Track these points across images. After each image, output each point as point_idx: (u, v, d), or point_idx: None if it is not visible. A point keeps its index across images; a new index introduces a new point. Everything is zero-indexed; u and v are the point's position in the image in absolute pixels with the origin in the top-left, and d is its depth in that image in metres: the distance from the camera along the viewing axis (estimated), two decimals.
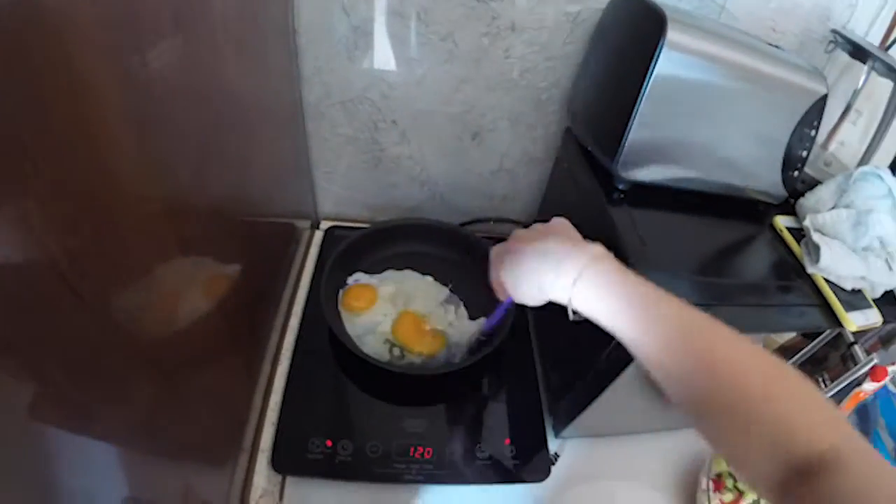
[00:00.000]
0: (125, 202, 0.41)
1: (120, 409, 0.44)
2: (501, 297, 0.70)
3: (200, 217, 0.57)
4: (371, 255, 1.03)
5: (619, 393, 0.74)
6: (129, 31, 0.39)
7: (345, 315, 0.93)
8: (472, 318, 0.97)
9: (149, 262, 0.46)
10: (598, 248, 0.58)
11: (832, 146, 0.96)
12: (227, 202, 0.66)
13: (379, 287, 0.98)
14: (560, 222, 0.65)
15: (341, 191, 1.14)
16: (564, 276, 0.56)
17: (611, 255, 0.58)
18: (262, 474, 0.79)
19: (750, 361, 0.50)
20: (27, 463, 0.33)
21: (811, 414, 0.47)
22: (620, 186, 0.78)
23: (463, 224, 1.18)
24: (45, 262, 0.32)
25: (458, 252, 1.05)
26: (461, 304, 0.99)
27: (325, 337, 0.90)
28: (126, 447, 0.46)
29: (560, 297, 0.58)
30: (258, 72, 0.75)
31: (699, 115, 0.75)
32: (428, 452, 0.80)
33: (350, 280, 0.99)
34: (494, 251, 0.68)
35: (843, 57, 0.89)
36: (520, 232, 0.66)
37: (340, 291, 0.96)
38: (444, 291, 1.01)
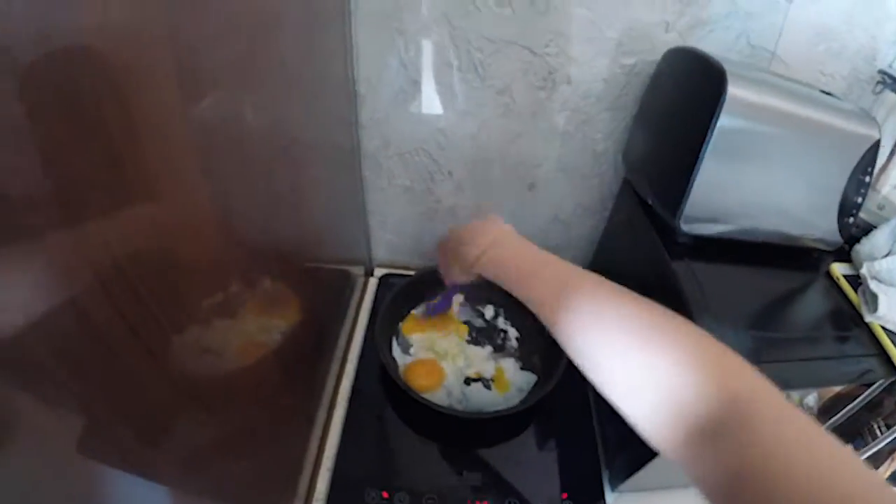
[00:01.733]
0: (201, 247, 0.43)
1: (173, 449, 0.44)
2: (447, 284, 0.83)
3: (266, 261, 0.59)
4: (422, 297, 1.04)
5: None
6: (199, 77, 0.41)
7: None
8: (524, 368, 0.98)
9: (214, 308, 0.47)
10: (505, 227, 0.71)
11: (885, 189, 0.92)
12: (289, 247, 0.68)
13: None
14: (487, 213, 0.75)
15: (395, 238, 1.15)
16: (474, 250, 0.68)
17: (511, 233, 0.69)
18: None
19: (633, 313, 0.51)
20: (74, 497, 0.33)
21: (703, 365, 0.45)
22: (681, 240, 0.77)
23: None
24: (110, 305, 0.32)
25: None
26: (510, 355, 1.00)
27: (381, 384, 0.90)
28: (177, 488, 0.46)
29: (471, 268, 0.69)
30: (320, 120, 0.78)
31: (758, 167, 0.74)
32: None
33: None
34: (438, 246, 0.80)
35: (891, 97, 0.87)
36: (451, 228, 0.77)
37: (394, 340, 0.97)
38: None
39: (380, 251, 1.19)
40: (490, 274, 0.67)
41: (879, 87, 0.88)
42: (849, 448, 0.37)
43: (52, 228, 0.27)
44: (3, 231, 0.25)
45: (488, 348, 1.00)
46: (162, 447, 0.42)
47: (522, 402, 0.88)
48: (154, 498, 0.43)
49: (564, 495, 0.84)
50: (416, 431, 0.88)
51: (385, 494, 0.78)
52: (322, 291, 0.88)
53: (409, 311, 1.03)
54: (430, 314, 0.95)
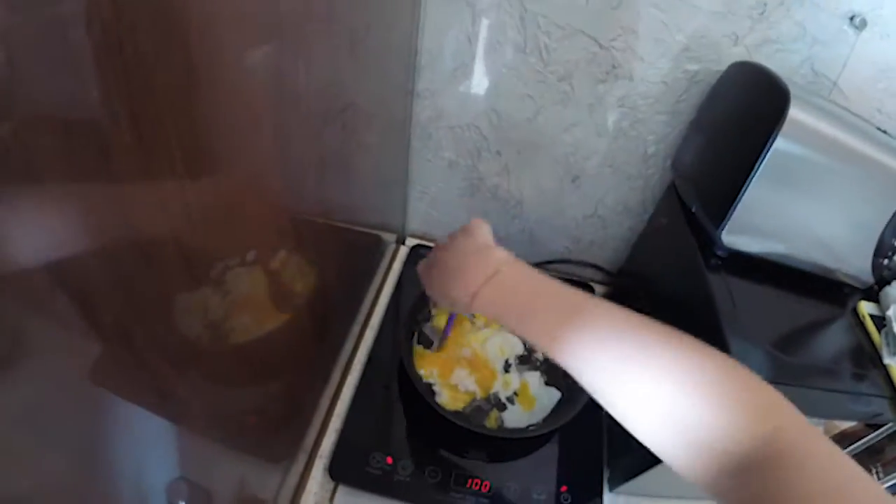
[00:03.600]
0: (239, 188, 0.43)
1: (192, 387, 0.45)
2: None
3: (314, 218, 0.59)
4: None
5: None
6: (256, 30, 0.40)
7: None
8: (548, 383, 0.96)
9: (263, 256, 0.48)
10: (500, 256, 0.60)
11: None
12: (330, 206, 0.68)
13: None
14: (474, 227, 0.66)
15: (431, 210, 1.16)
16: (466, 289, 0.59)
17: (516, 263, 0.60)
18: (317, 479, 0.80)
19: (658, 343, 0.49)
20: (80, 424, 0.34)
21: (738, 402, 0.44)
22: (720, 253, 0.77)
23: (544, 263, 1.18)
24: (171, 244, 0.33)
25: None
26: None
27: (397, 359, 0.90)
28: (188, 428, 0.47)
29: (467, 309, 0.60)
30: (377, 85, 0.78)
31: (804, 193, 0.73)
32: (486, 486, 0.80)
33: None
34: (419, 269, 0.70)
35: None
36: (440, 245, 0.68)
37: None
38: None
39: (414, 222, 1.19)
40: (489, 314, 0.59)
41: None
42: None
43: (115, 153, 0.28)
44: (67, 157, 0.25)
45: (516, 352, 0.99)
46: (184, 380, 0.43)
47: (545, 421, 0.88)
48: (156, 431, 0.43)
49: (564, 488, 0.84)
50: (425, 416, 0.86)
51: (389, 460, 0.80)
52: (354, 252, 0.89)
53: None
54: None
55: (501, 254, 0.61)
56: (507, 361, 0.96)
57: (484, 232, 0.66)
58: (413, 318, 0.95)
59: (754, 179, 0.70)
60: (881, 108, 0.86)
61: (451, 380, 0.89)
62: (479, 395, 0.90)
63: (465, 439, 0.85)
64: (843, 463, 0.38)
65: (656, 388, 0.46)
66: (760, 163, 0.69)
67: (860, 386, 0.69)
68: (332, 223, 0.73)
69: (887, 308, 0.77)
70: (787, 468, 0.39)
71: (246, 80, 0.40)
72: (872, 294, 0.82)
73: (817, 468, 0.38)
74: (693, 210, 0.84)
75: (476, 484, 0.79)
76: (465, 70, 0.90)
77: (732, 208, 0.72)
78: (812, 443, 0.41)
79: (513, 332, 0.56)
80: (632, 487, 0.85)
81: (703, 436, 0.44)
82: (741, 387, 0.45)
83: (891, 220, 0.75)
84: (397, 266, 1.12)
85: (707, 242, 0.79)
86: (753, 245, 0.77)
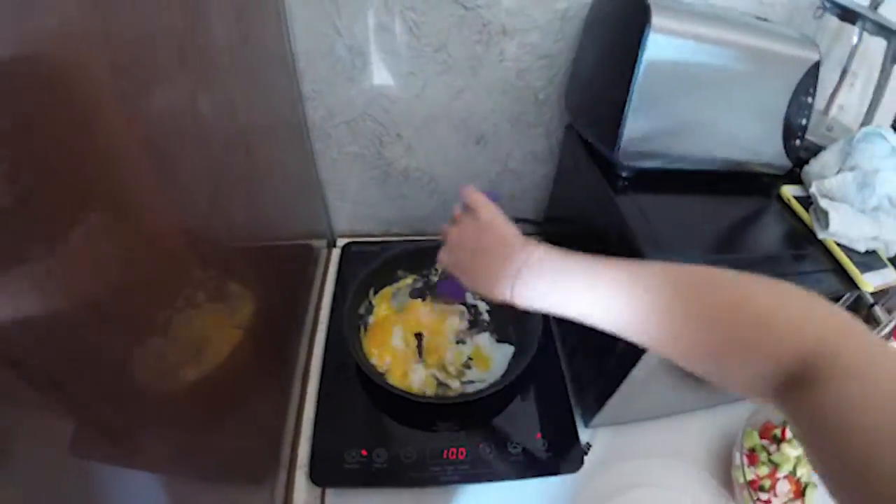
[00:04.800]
0: (153, 236, 0.43)
1: (158, 438, 0.46)
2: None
3: (221, 244, 0.59)
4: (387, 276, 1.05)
5: (643, 376, 0.74)
6: (138, 72, 0.41)
7: None
8: (499, 340, 0.99)
9: (175, 293, 0.48)
10: (538, 251, 0.59)
11: (832, 111, 0.95)
12: (243, 227, 0.68)
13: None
14: (488, 222, 0.65)
15: (354, 207, 1.16)
16: (502, 286, 0.59)
17: (549, 251, 0.59)
18: (302, 489, 0.81)
19: (715, 285, 0.49)
20: (71, 498, 0.34)
21: (796, 313, 0.45)
22: (624, 174, 0.79)
23: None
24: (85, 301, 0.33)
25: None
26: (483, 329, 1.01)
27: (350, 356, 0.90)
28: (167, 474, 0.47)
29: (506, 298, 0.60)
30: (261, 96, 0.77)
31: (694, 96, 0.75)
32: (461, 453, 0.81)
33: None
34: (448, 262, 0.69)
35: (833, 21, 0.88)
36: (457, 237, 0.67)
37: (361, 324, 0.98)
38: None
39: (340, 221, 1.19)
40: (528, 304, 0.59)
41: (820, 11, 0.89)
42: None
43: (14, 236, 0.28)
44: None
45: (462, 325, 1.01)
46: (142, 437, 0.43)
47: (503, 377, 0.90)
48: (141, 485, 0.44)
49: (538, 435, 0.86)
50: (385, 409, 0.89)
51: (364, 452, 0.81)
52: (284, 267, 0.89)
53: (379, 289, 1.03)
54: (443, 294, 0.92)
55: (539, 250, 0.60)
56: (457, 335, 0.99)
57: (496, 215, 0.65)
58: (355, 312, 0.96)
59: (634, 95, 0.72)
60: None
61: (408, 381, 0.91)
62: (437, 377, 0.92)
63: (432, 414, 0.87)
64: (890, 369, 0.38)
65: (706, 328, 0.48)
66: (636, 78, 0.71)
67: (803, 265, 0.72)
68: (257, 244, 0.74)
69: (810, 186, 0.78)
70: (843, 376, 0.39)
71: (135, 128, 0.40)
72: (794, 177, 0.84)
73: (872, 375, 0.38)
74: (590, 141, 0.86)
75: (451, 454, 0.81)
76: (343, 64, 0.90)
77: (621, 129, 0.74)
78: (862, 350, 0.41)
79: (558, 314, 0.57)
80: (604, 418, 0.87)
81: (755, 359, 0.45)
82: (787, 304, 0.46)
83: (791, 101, 0.78)
84: (333, 269, 1.12)
85: (611, 170, 0.81)
86: (654, 160, 0.79)
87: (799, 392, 0.41)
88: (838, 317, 0.43)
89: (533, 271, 0.58)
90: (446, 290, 0.87)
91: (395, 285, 1.05)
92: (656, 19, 0.68)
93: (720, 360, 0.49)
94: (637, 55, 0.70)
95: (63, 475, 0.33)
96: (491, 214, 0.65)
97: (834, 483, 0.38)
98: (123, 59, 0.38)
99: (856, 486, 0.35)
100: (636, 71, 0.71)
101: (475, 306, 1.04)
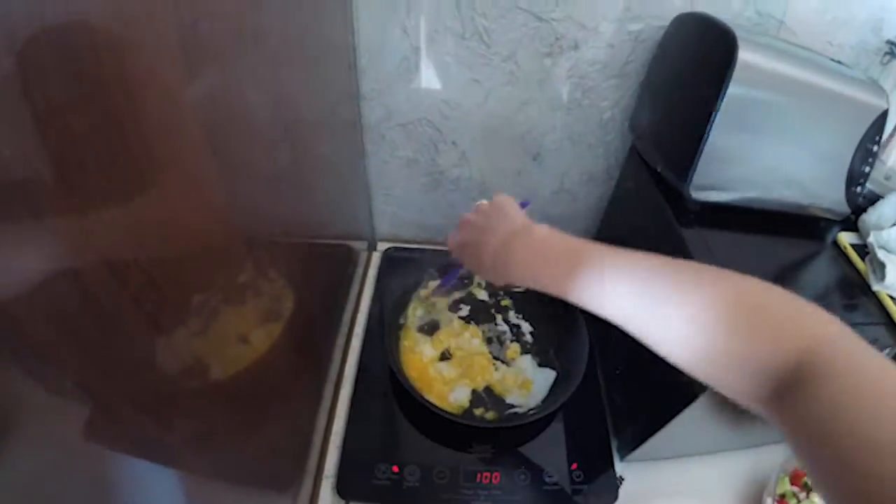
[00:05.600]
0: (208, 226, 0.41)
1: (184, 433, 0.44)
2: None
3: (261, 234, 0.57)
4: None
5: (691, 419, 0.71)
6: (191, 53, 0.39)
7: None
8: (541, 364, 0.96)
9: (212, 281, 0.46)
10: (541, 229, 0.61)
11: (891, 160, 0.92)
12: (287, 221, 0.66)
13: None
14: (502, 200, 0.67)
15: (398, 211, 1.14)
16: (511, 259, 0.61)
17: (554, 231, 0.61)
18: (327, 500, 0.78)
19: (712, 283, 0.49)
20: (85, 486, 0.33)
21: (779, 319, 0.44)
22: (691, 207, 0.77)
23: None
24: (118, 285, 0.31)
25: None
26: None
27: (386, 364, 0.88)
28: (189, 471, 0.45)
29: (511, 281, 0.61)
30: (317, 90, 0.75)
31: (767, 134, 0.73)
32: (496, 478, 0.79)
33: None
34: (454, 243, 0.72)
35: None
36: (469, 218, 0.69)
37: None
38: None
39: (383, 225, 1.17)
40: (522, 281, 0.60)
41: (887, 57, 0.88)
42: None
43: (55, 208, 0.26)
44: (6, 213, 0.23)
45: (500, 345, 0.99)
46: (172, 429, 0.41)
47: (544, 402, 0.87)
48: (165, 481, 0.42)
49: (574, 465, 0.83)
50: (419, 425, 0.86)
51: (395, 469, 0.78)
52: (325, 267, 0.87)
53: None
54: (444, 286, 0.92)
55: (542, 228, 0.61)
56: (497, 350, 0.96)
57: (508, 199, 0.68)
58: (395, 321, 0.94)
59: (713, 128, 0.70)
60: (831, 39, 0.87)
61: (445, 398, 0.88)
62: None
63: (468, 435, 0.84)
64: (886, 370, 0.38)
65: (697, 322, 0.47)
66: (717, 111, 0.69)
67: (853, 316, 0.69)
68: (299, 241, 0.71)
69: (867, 235, 0.77)
70: (828, 379, 0.38)
71: (180, 115, 0.38)
72: (850, 224, 0.82)
73: (857, 377, 0.38)
74: (658, 170, 0.83)
75: (486, 478, 0.78)
76: (407, 64, 0.88)
77: (696, 161, 0.72)
78: (851, 353, 0.40)
79: (556, 294, 0.56)
80: (641, 453, 0.84)
81: (747, 360, 0.44)
82: (777, 306, 0.46)
83: (858, 148, 0.76)
84: (372, 273, 1.10)
85: (676, 199, 0.78)
86: (723, 195, 0.76)
87: (790, 396, 0.40)
88: (832, 324, 0.43)
89: (529, 248, 0.60)
90: (444, 283, 0.88)
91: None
92: (743, 53, 0.67)
93: (715, 361, 0.47)
94: (721, 88, 0.68)
95: (78, 463, 0.31)
96: (503, 197, 0.68)
97: (828, 488, 0.36)
98: (177, 37, 0.36)
99: (848, 487, 0.34)
100: (718, 104, 0.69)
101: (518, 326, 1.01)
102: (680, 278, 0.49)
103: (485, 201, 0.69)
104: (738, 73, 0.67)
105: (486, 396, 0.89)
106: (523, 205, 0.70)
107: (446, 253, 1.01)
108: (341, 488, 0.77)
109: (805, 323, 0.43)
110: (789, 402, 0.40)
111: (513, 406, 0.88)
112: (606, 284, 0.52)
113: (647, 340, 0.51)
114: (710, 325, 0.46)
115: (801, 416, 0.39)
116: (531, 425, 0.83)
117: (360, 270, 1.09)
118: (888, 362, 0.38)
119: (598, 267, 0.53)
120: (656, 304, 0.49)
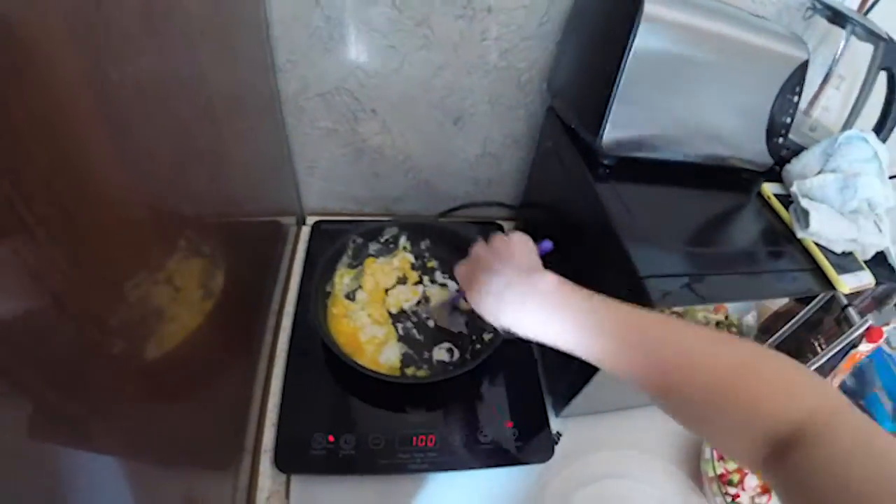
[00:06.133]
0: (107, 208, 0.40)
1: (117, 421, 0.43)
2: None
3: (183, 218, 0.56)
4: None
5: None
6: (101, 38, 0.38)
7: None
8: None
9: (134, 270, 0.45)
10: (548, 280, 0.59)
11: (816, 112, 0.95)
12: (209, 201, 0.64)
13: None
14: (518, 240, 0.67)
15: (325, 184, 1.12)
16: (512, 305, 0.59)
17: (561, 284, 0.58)
18: (267, 475, 0.78)
19: (715, 347, 0.51)
20: (30, 483, 0.33)
21: (782, 385, 0.47)
22: (605, 162, 0.78)
23: (450, 210, 1.18)
24: (31, 279, 0.31)
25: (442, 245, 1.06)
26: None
27: (318, 337, 0.88)
28: (126, 458, 0.45)
29: (508, 326, 0.60)
30: (232, 65, 0.73)
31: (681, 87, 0.74)
32: (431, 440, 0.80)
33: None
34: (460, 274, 0.69)
35: (823, 23, 0.88)
36: (479, 252, 0.67)
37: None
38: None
39: (311, 198, 1.16)
40: (523, 332, 0.59)
41: (809, 12, 0.89)
42: None
43: None
44: None
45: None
46: (100, 411, 0.40)
47: (471, 357, 0.89)
48: (98, 471, 0.41)
49: (510, 424, 0.85)
50: (353, 391, 0.87)
51: (331, 438, 0.78)
52: (251, 245, 0.85)
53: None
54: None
55: (550, 279, 0.59)
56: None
57: (529, 244, 0.67)
58: (322, 289, 0.94)
59: (622, 82, 0.71)
60: None
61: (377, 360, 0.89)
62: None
63: (401, 396, 0.85)
64: (878, 439, 0.40)
65: (706, 391, 0.49)
66: (624, 65, 0.70)
67: (780, 264, 0.72)
68: (223, 219, 0.70)
69: (791, 185, 0.79)
70: (827, 444, 0.40)
71: (84, 99, 0.37)
72: (775, 175, 0.85)
73: (855, 444, 0.40)
74: (573, 127, 0.84)
75: (421, 440, 0.79)
76: (320, 34, 0.86)
77: (606, 116, 0.73)
78: (847, 422, 0.42)
79: (557, 346, 0.57)
80: (575, 408, 0.86)
81: (747, 427, 0.46)
82: (778, 373, 0.48)
83: (776, 99, 0.78)
84: (302, 247, 1.09)
85: (592, 156, 0.79)
86: (637, 148, 0.77)
87: (789, 459, 0.42)
88: (829, 391, 0.46)
89: (537, 301, 0.57)
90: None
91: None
92: (648, 7, 0.67)
93: (715, 424, 0.50)
94: (627, 43, 0.69)
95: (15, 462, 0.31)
96: (518, 236, 0.67)
97: None
98: (82, 19, 0.35)
99: None
100: (625, 59, 0.69)
101: (444, 285, 1.03)
102: (681, 349, 0.51)
103: (500, 234, 0.68)
104: (643, 25, 0.67)
105: (416, 355, 0.90)
106: (544, 246, 0.71)
107: (375, 223, 1.02)
108: (279, 462, 0.77)
109: (804, 391, 0.46)
110: (787, 465, 0.42)
111: (443, 362, 0.90)
112: (613, 360, 0.53)
113: (655, 403, 0.54)
114: (717, 393, 0.48)
115: (798, 479, 0.41)
116: (464, 384, 0.84)
117: (289, 246, 1.08)
118: (882, 430, 0.41)
119: (605, 337, 0.54)
120: (665, 375, 0.51)
